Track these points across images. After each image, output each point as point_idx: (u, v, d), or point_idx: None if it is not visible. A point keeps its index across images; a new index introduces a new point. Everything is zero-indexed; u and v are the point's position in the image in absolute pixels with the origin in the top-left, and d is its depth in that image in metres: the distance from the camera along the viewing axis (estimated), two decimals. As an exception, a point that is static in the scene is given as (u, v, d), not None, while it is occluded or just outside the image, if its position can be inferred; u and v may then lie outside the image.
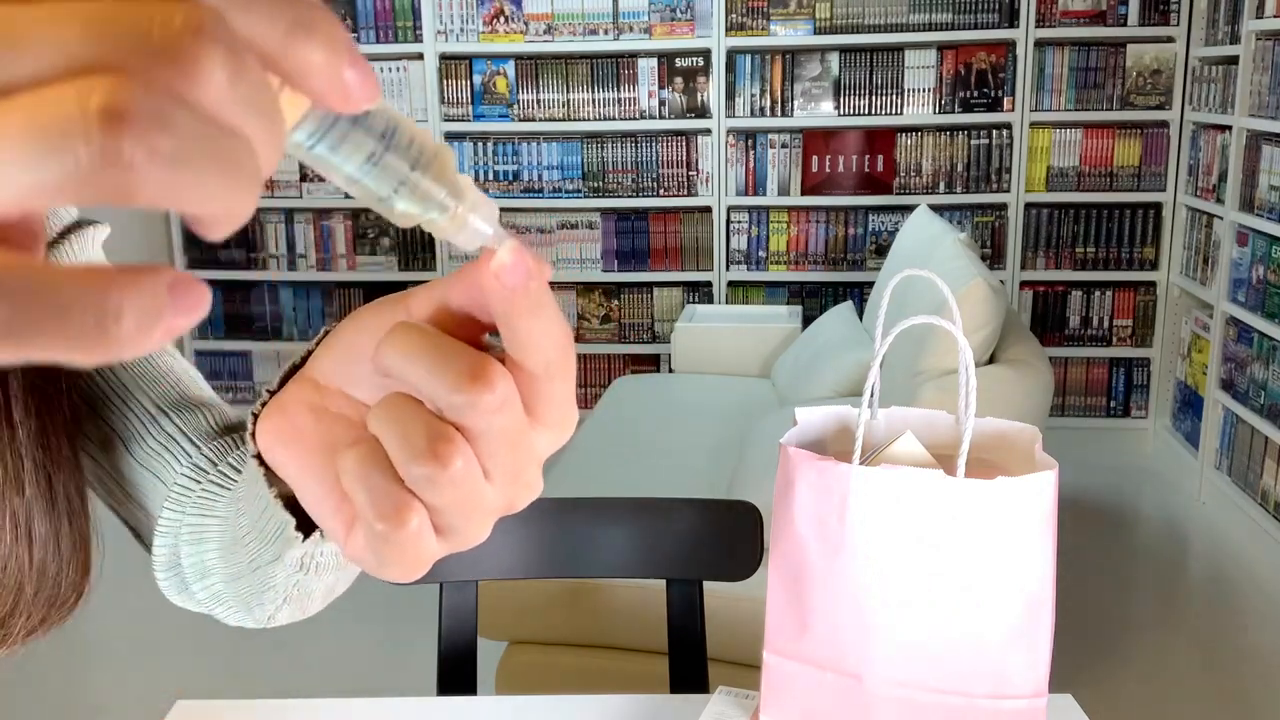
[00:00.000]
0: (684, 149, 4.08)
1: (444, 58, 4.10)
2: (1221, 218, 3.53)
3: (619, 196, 4.13)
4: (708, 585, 1.34)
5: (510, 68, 4.08)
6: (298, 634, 2.91)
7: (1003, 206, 4.02)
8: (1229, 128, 3.48)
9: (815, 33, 3.93)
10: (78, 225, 0.69)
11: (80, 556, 0.59)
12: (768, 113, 4.02)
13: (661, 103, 4.05)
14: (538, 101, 4.10)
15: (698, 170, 4.09)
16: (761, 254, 4.13)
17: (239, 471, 0.62)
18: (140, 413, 0.64)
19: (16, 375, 0.55)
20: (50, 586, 0.57)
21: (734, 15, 3.96)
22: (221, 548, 0.59)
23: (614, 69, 4.05)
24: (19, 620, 0.56)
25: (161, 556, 0.62)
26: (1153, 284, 4.02)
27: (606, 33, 4.01)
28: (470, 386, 0.34)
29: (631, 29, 4.00)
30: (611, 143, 4.10)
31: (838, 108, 3.99)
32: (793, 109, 4.01)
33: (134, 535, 0.66)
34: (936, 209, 3.76)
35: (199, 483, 0.61)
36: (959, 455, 0.84)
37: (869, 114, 3.98)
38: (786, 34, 3.94)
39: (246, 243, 4.31)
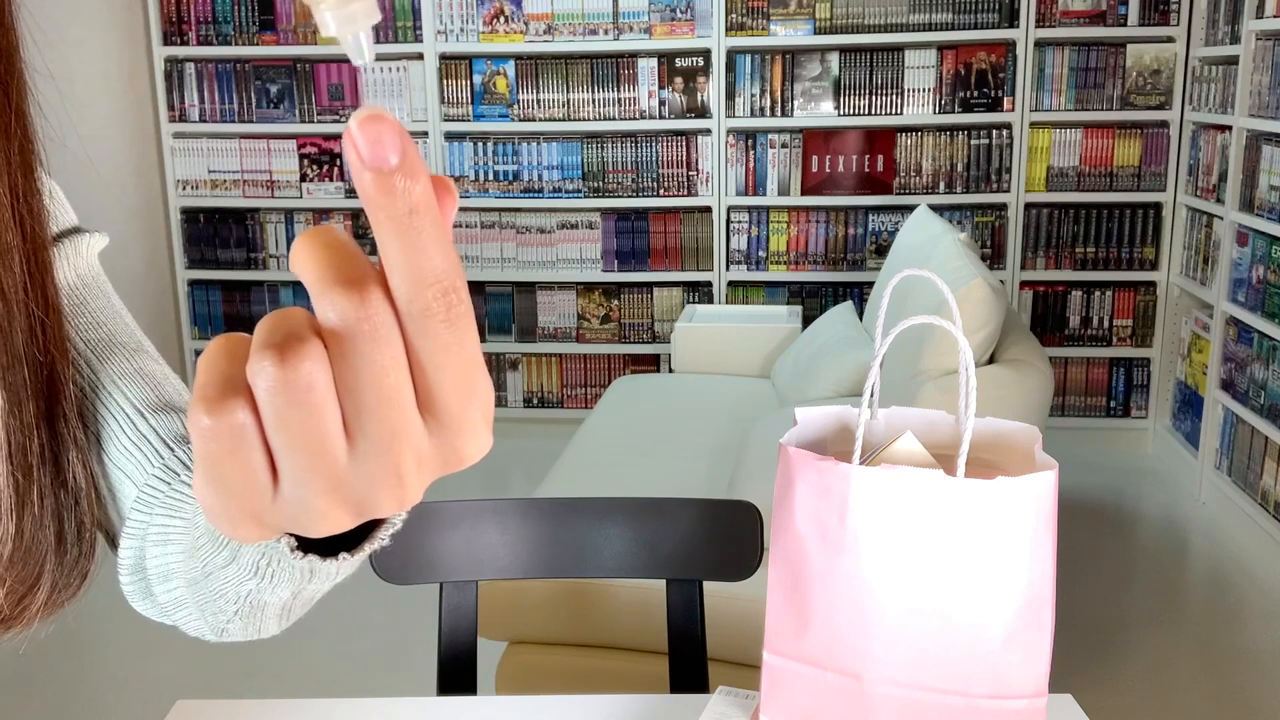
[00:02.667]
0: (684, 149, 4.08)
1: (444, 58, 4.10)
2: (1221, 218, 3.53)
3: (619, 196, 4.13)
4: (708, 585, 1.34)
5: (510, 68, 4.08)
6: (298, 634, 2.92)
7: (1003, 206, 4.02)
8: (1229, 128, 3.48)
9: (815, 33, 3.93)
10: (74, 231, 0.69)
11: (89, 537, 0.59)
12: (768, 113, 4.02)
13: (661, 103, 4.05)
14: (538, 101, 4.10)
15: (698, 170, 4.09)
16: (761, 254, 4.13)
17: None
18: (117, 412, 0.63)
19: (24, 354, 0.55)
20: (55, 568, 0.57)
21: (734, 15, 3.96)
22: (184, 550, 0.57)
23: (614, 69, 4.05)
24: (38, 597, 0.56)
25: (127, 560, 0.61)
26: (1153, 284, 4.02)
27: (606, 33, 4.01)
28: (339, 288, 0.31)
29: (631, 29, 4.00)
30: (611, 143, 4.10)
31: (838, 108, 3.99)
32: (793, 109, 4.01)
33: (105, 537, 0.65)
34: (936, 209, 3.77)
35: (169, 484, 0.61)
36: (959, 455, 0.84)
37: (869, 114, 3.99)
38: (786, 34, 3.94)
39: (246, 243, 4.31)
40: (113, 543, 0.65)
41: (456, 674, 1.31)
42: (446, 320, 0.31)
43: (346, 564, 0.44)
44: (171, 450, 0.63)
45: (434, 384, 0.32)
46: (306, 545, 0.43)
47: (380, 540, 0.43)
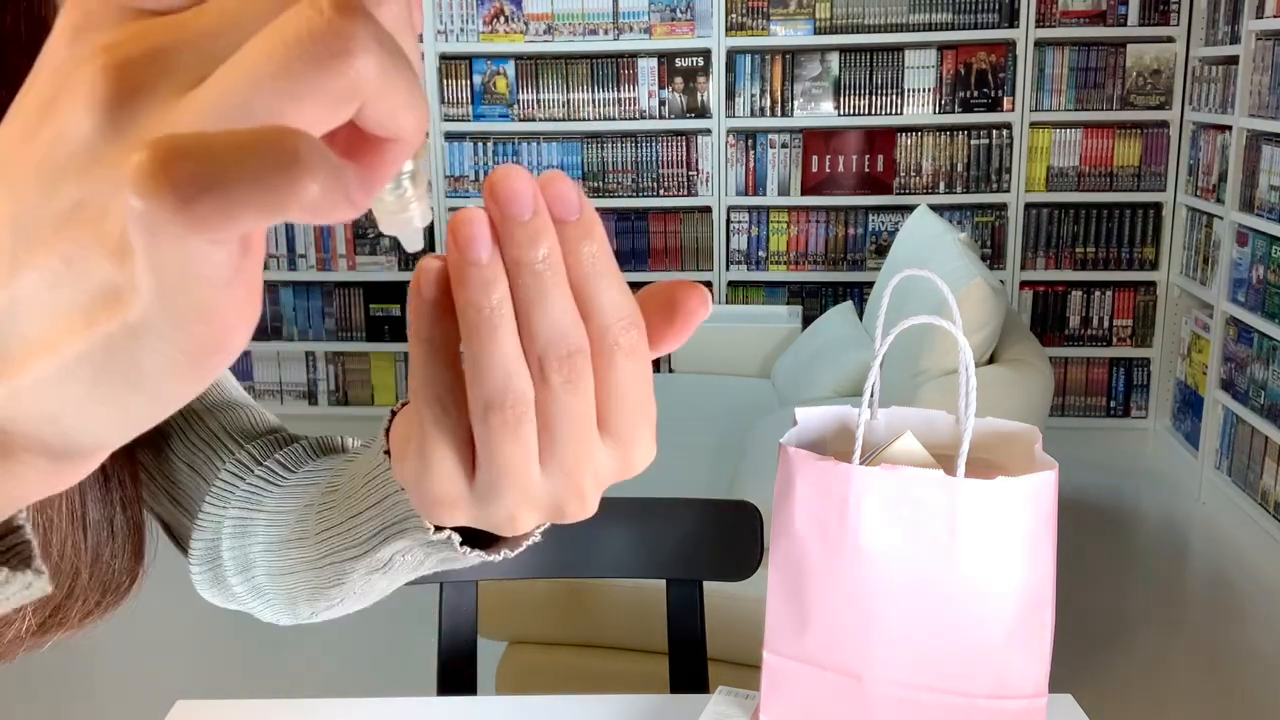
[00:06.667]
0: (684, 149, 4.08)
1: (444, 58, 4.10)
2: (1221, 218, 3.53)
3: (619, 196, 4.13)
4: (708, 585, 1.34)
5: (510, 68, 4.08)
6: (298, 634, 2.91)
7: (1003, 206, 4.02)
8: (1229, 128, 3.48)
9: (815, 33, 3.93)
10: None
11: (133, 541, 0.59)
12: (768, 113, 4.02)
13: (661, 103, 4.05)
14: (538, 101, 4.10)
15: (698, 170, 4.09)
16: (761, 254, 4.13)
17: (290, 470, 0.63)
18: (183, 409, 0.64)
19: None
20: (104, 571, 0.57)
21: (734, 15, 3.96)
22: (268, 543, 0.60)
23: (614, 69, 4.05)
24: (75, 604, 0.56)
25: (199, 551, 0.63)
26: (1153, 284, 4.02)
27: (606, 33, 4.01)
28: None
29: (631, 29, 4.00)
30: (611, 143, 4.10)
31: (838, 108, 3.99)
32: (793, 109, 4.01)
33: (166, 531, 0.67)
34: (936, 209, 3.76)
35: (243, 479, 0.63)
36: (959, 455, 0.84)
37: (869, 114, 3.99)
38: (786, 34, 3.94)
39: (246, 243, 4.30)
40: (172, 535, 0.66)
41: (456, 674, 1.31)
42: (632, 354, 0.34)
43: (497, 558, 0.49)
44: (241, 445, 0.64)
45: (615, 409, 0.35)
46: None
47: (531, 539, 0.48)
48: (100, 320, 0.25)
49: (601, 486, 0.37)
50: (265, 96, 0.23)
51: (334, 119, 0.24)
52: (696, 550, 1.32)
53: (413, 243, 0.33)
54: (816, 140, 4.03)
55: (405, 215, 0.32)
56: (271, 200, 0.22)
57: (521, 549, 0.48)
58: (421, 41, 4.07)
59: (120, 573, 0.59)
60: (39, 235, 0.25)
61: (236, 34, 0.24)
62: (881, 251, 4.04)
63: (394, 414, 0.46)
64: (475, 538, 0.49)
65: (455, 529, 0.48)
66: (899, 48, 3.93)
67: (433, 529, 0.47)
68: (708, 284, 4.16)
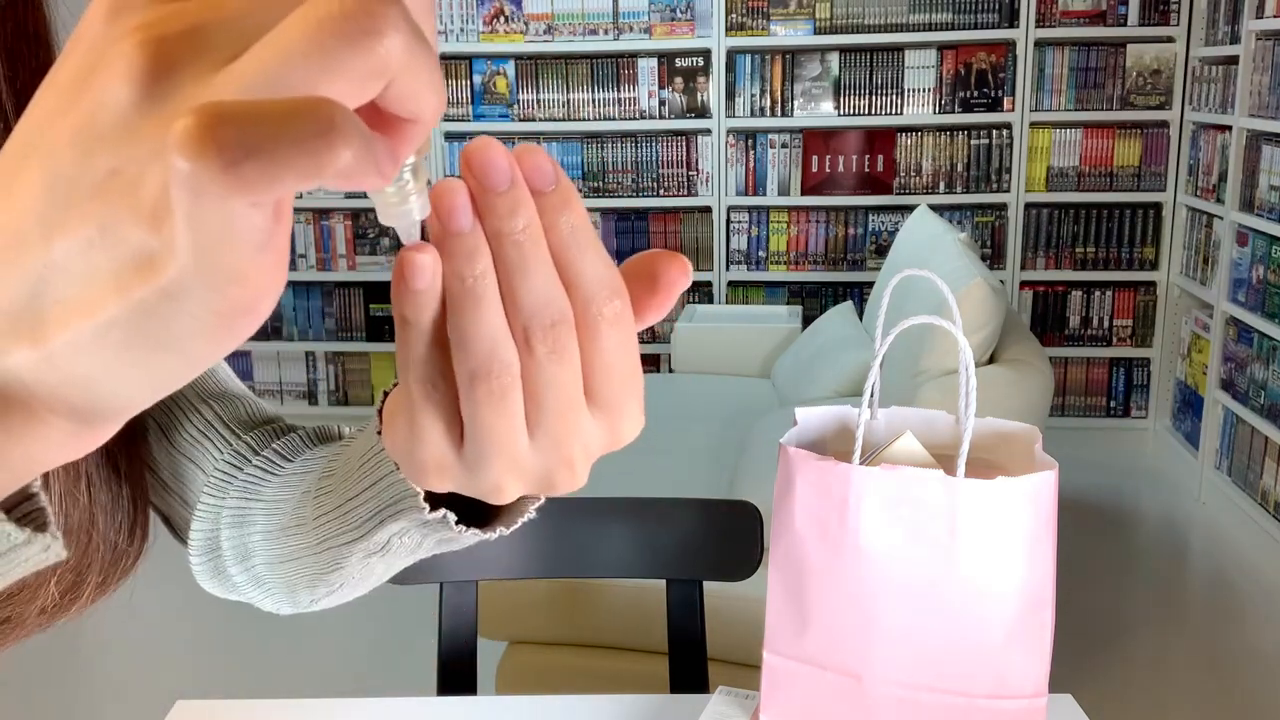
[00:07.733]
0: (684, 149, 4.08)
1: (444, 58, 4.10)
2: (1221, 218, 3.53)
3: (619, 196, 4.13)
4: (708, 585, 1.34)
5: (510, 68, 4.08)
6: (297, 633, 2.91)
7: (1003, 206, 4.02)
8: (1229, 128, 3.48)
9: (815, 33, 3.93)
10: None
11: (140, 518, 0.60)
12: (768, 113, 4.02)
13: (661, 103, 4.05)
14: (538, 101, 4.10)
15: (698, 170, 4.09)
16: (761, 254, 4.13)
17: (288, 459, 0.64)
18: (180, 400, 0.65)
19: None
20: (111, 549, 0.58)
21: (734, 15, 3.96)
22: (267, 531, 0.60)
23: (614, 69, 4.05)
24: (90, 578, 0.57)
25: (198, 541, 0.64)
26: (1153, 284, 4.02)
27: (606, 33, 4.01)
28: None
29: (631, 29, 4.00)
30: (611, 143, 4.10)
31: (838, 108, 3.99)
32: (793, 109, 4.01)
33: (165, 523, 0.67)
34: (936, 209, 3.76)
35: (241, 469, 0.63)
36: (959, 455, 0.84)
37: (869, 114, 3.99)
38: (786, 34, 3.94)
39: (246, 243, 4.31)
40: (171, 527, 0.66)
41: (456, 674, 1.31)
42: (616, 324, 0.34)
43: (494, 535, 0.49)
44: (238, 436, 0.65)
45: (602, 380, 0.35)
46: (434, 501, 0.47)
47: (527, 515, 0.48)
48: (133, 285, 0.25)
49: (591, 457, 0.37)
50: (299, 72, 0.24)
51: (362, 95, 0.25)
52: (696, 550, 1.32)
53: (410, 235, 0.34)
54: (816, 140, 4.03)
55: (405, 207, 0.33)
56: (310, 164, 0.23)
57: (517, 525, 0.48)
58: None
59: (124, 548, 0.59)
60: (74, 203, 0.25)
61: (269, 14, 0.25)
62: (881, 251, 4.04)
63: (386, 394, 0.46)
64: (471, 517, 0.49)
65: (451, 508, 0.48)
66: (899, 48, 3.93)
67: (428, 508, 0.47)
68: (708, 284, 4.16)
